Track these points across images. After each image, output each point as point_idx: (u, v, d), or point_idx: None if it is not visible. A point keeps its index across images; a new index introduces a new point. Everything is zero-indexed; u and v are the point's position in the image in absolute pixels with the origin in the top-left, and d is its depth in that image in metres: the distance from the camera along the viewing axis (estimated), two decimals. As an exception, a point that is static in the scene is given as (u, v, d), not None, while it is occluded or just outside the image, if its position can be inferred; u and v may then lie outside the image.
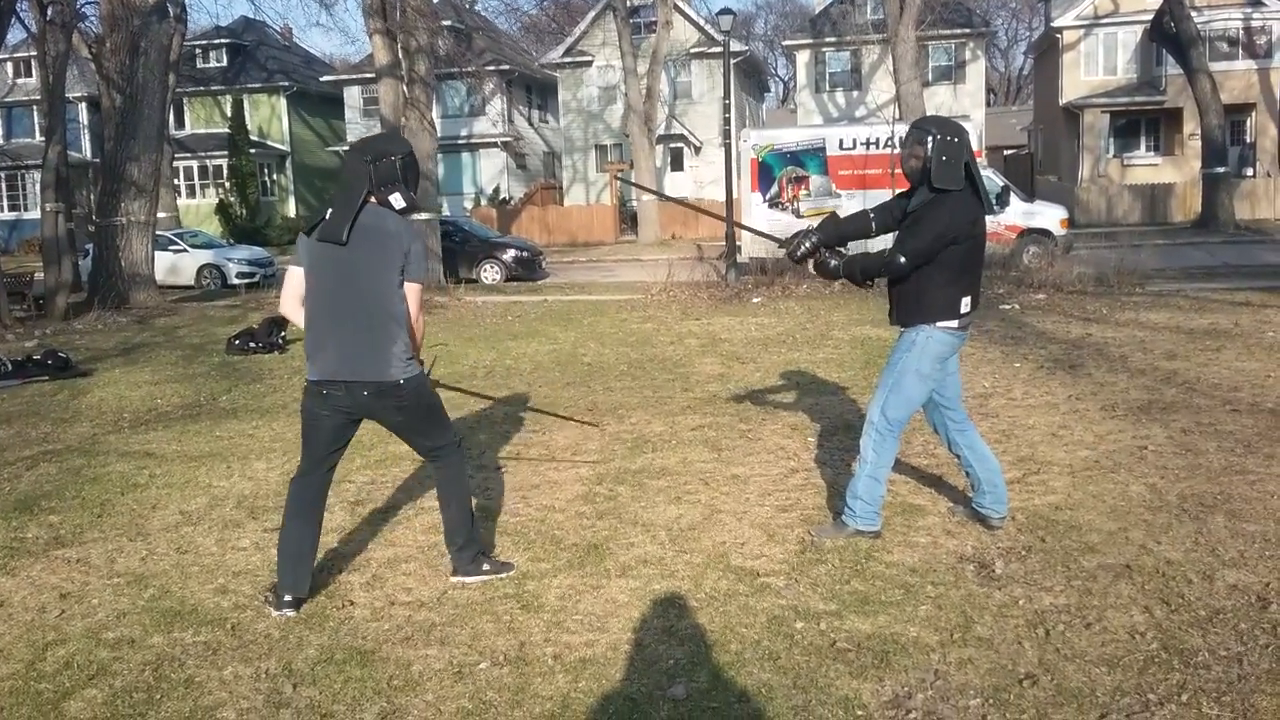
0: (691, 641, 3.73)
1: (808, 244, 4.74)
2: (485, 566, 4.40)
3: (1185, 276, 15.69)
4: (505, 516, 5.26)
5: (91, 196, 29.66)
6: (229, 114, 36.91)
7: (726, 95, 19.82)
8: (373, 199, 3.99)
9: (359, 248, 3.92)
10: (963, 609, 3.91)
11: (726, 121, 19.82)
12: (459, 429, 6.64)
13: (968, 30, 34.46)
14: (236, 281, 22.06)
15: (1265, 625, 3.67)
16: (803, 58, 36.24)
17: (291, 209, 38.47)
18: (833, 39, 34.94)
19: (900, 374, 4.56)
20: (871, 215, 4.79)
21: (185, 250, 23.06)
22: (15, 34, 23.32)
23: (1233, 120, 28.87)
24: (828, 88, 35.82)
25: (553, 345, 11.41)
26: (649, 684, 3.44)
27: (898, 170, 4.81)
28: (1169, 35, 24.79)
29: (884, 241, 4.77)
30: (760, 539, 4.76)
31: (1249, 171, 30.85)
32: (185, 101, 38.46)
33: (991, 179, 18.61)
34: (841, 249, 4.80)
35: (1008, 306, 12.86)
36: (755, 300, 14.80)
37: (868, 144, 18.09)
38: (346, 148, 30.02)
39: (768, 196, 18.46)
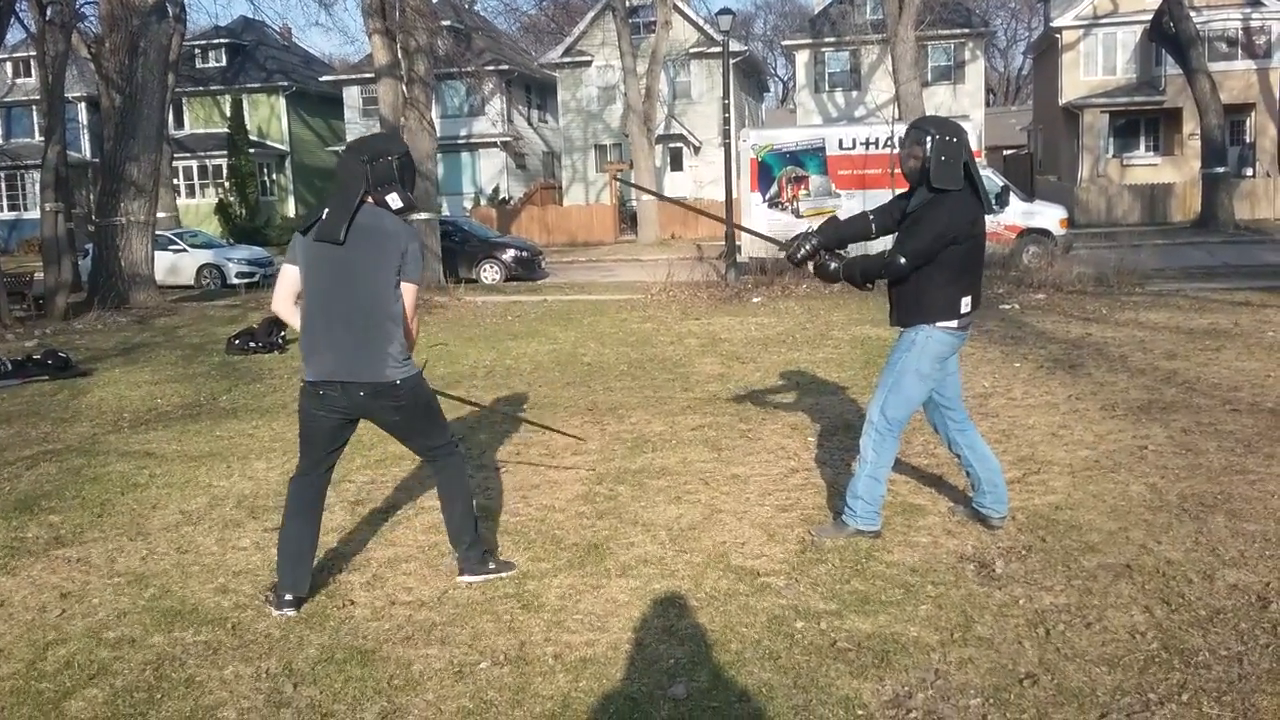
0: (692, 641, 3.73)
1: (808, 247, 4.74)
2: (491, 565, 4.41)
3: (1185, 276, 15.69)
4: (505, 516, 5.26)
5: (91, 196, 29.64)
6: (228, 114, 36.90)
7: (726, 95, 19.81)
8: (369, 199, 3.98)
9: (356, 248, 3.92)
10: (963, 608, 3.91)
11: (726, 121, 19.81)
12: (458, 430, 6.66)
13: (967, 30, 34.46)
14: (236, 281, 22.06)
15: (1266, 625, 3.67)
16: (802, 58, 36.24)
17: (291, 209, 38.46)
18: (832, 39, 34.94)
19: (900, 374, 4.56)
20: (871, 217, 4.80)
21: (185, 250, 23.06)
22: (15, 34, 23.34)
23: (1232, 120, 28.87)
24: (827, 88, 35.82)
25: (553, 345, 11.41)
26: (649, 683, 3.44)
27: (897, 170, 4.80)
28: (1168, 35, 24.80)
29: (884, 243, 4.77)
30: (760, 539, 4.76)
31: (1248, 171, 30.86)
32: (184, 101, 38.46)
33: (991, 179, 18.60)
34: (841, 251, 4.81)
35: (1007, 306, 12.86)
36: (755, 300, 14.80)
37: (867, 144, 18.10)
38: (343, 147, 30.07)
39: (767, 196, 18.47)
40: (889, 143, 17.50)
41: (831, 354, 9.92)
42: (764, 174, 18.47)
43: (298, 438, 4.25)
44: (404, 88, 19.07)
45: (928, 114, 17.82)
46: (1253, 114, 31.37)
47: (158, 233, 19.40)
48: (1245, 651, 3.49)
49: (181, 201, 33.68)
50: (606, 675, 3.51)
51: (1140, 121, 32.98)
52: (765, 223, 17.60)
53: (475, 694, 3.43)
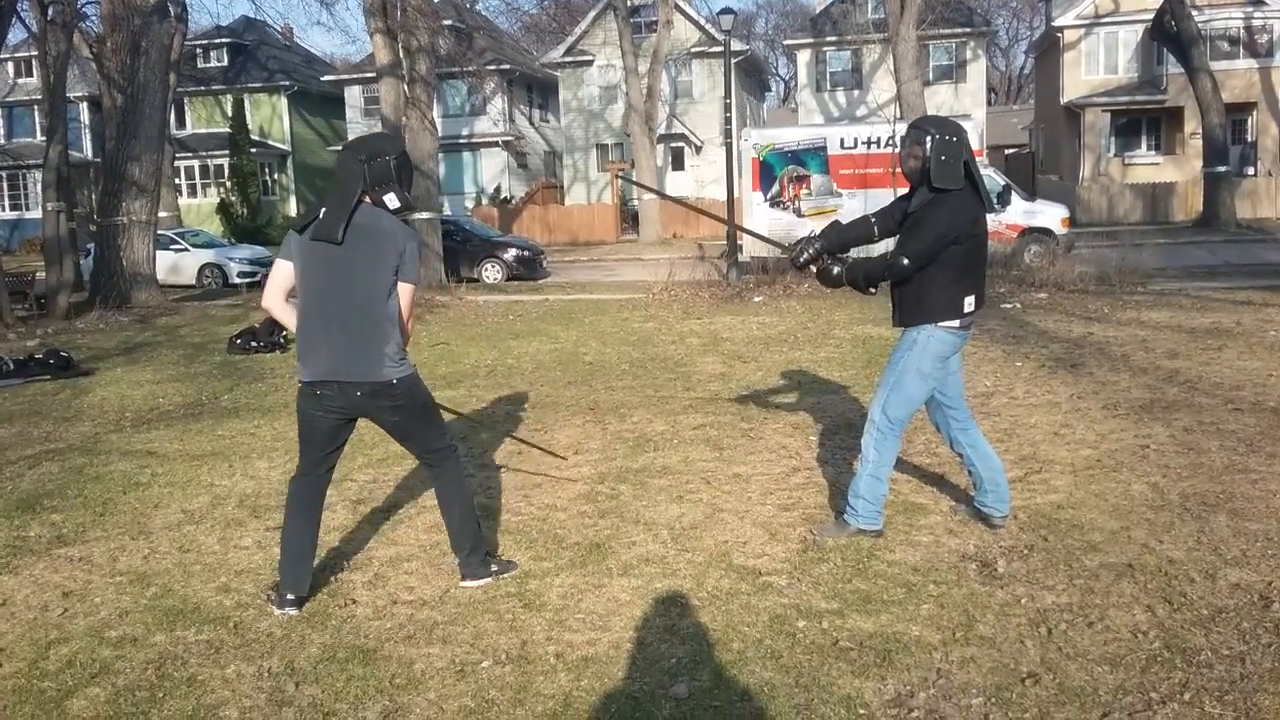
0: (694, 640, 3.73)
1: (810, 251, 4.73)
2: (494, 567, 4.39)
3: (1187, 275, 15.69)
4: (507, 515, 5.26)
5: (93, 196, 29.68)
6: (230, 113, 36.94)
7: (727, 94, 19.82)
8: (367, 199, 3.98)
9: (354, 247, 3.91)
10: (965, 608, 3.91)
11: (728, 121, 19.81)
12: (461, 429, 6.66)
13: (968, 29, 34.45)
14: (238, 281, 22.06)
15: (1268, 624, 3.67)
16: (803, 57, 36.23)
17: (293, 208, 38.48)
18: (833, 38, 34.93)
19: (901, 373, 4.55)
20: (873, 220, 4.79)
21: (186, 249, 23.07)
22: (16, 33, 23.31)
23: (1234, 119, 28.87)
24: (829, 87, 35.81)
25: (554, 344, 11.41)
26: (651, 682, 3.44)
27: (899, 169, 4.79)
28: (1170, 34, 24.78)
29: (886, 246, 4.77)
30: (762, 538, 4.76)
31: (1250, 170, 30.85)
32: (186, 101, 38.49)
33: (993, 178, 18.60)
34: (843, 255, 4.80)
35: (1009, 305, 12.86)
36: (757, 299, 14.80)
37: (869, 143, 18.09)
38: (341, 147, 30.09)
39: (769, 196, 18.47)
40: (890, 142, 17.49)
41: (833, 353, 9.92)
42: (766, 173, 18.47)
43: (297, 437, 4.25)
44: (405, 87, 19.07)
45: (929, 113, 17.90)
46: (1254, 113, 31.36)
47: (159, 232, 19.40)
48: (1247, 651, 3.48)
49: (183, 201, 33.68)
50: (608, 674, 3.51)
51: (1142, 120, 32.97)
52: (767, 222, 17.60)
53: (477, 693, 3.43)
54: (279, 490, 5.64)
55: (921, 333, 4.50)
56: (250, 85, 38.98)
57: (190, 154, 36.88)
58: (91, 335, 14.06)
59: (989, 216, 4.58)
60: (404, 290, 4.00)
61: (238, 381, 9.90)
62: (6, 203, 38.91)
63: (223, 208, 35.97)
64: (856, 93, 35.45)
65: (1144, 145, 33.14)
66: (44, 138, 21.54)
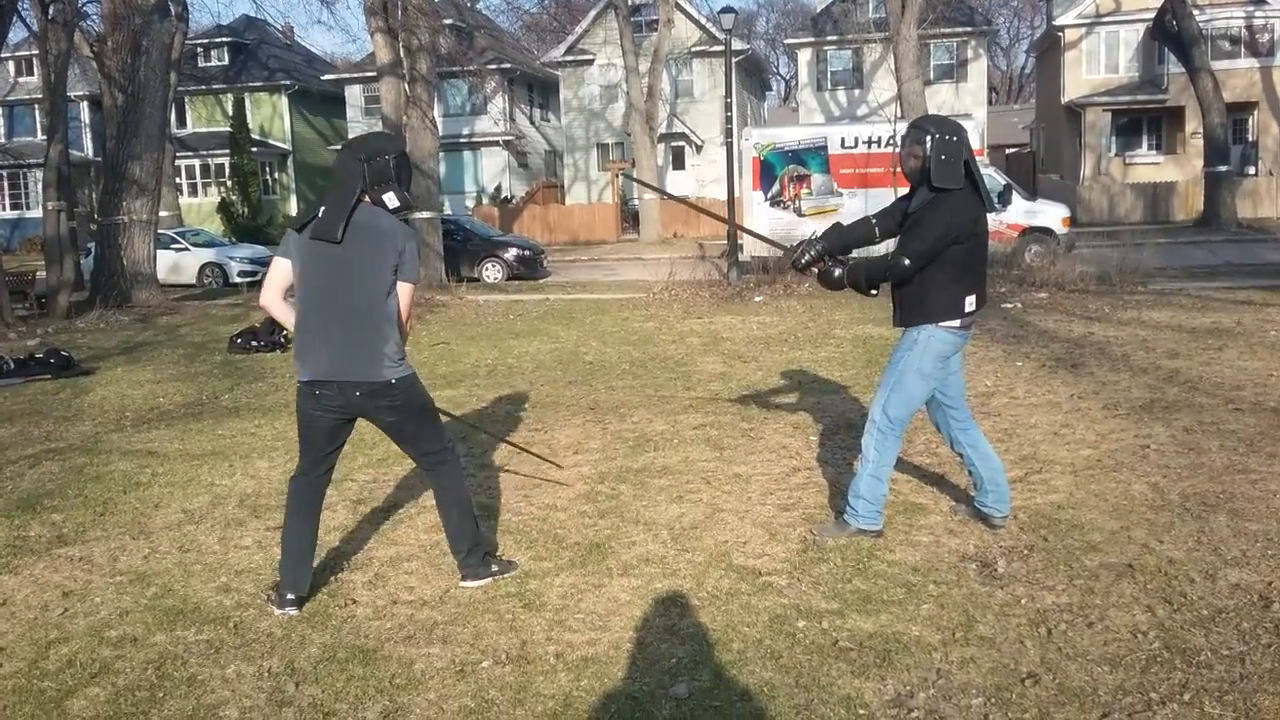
0: (693, 640, 3.73)
1: (811, 253, 4.73)
2: (494, 568, 4.39)
3: (1187, 275, 15.68)
4: (507, 515, 5.26)
5: (93, 195, 29.66)
6: (230, 113, 36.94)
7: (728, 94, 19.80)
8: (366, 198, 3.98)
9: (353, 246, 3.90)
10: (965, 608, 3.91)
11: (728, 120, 19.80)
12: (462, 429, 6.66)
13: (969, 29, 34.43)
14: (238, 280, 22.07)
15: (1268, 624, 3.67)
16: (804, 56, 36.21)
17: (293, 208, 38.46)
18: (834, 37, 34.91)
19: (902, 373, 4.55)
20: (874, 221, 4.79)
21: (187, 249, 23.08)
22: (17, 32, 23.30)
23: (1235, 119, 28.85)
24: (829, 86, 35.79)
25: (555, 344, 11.41)
26: (651, 682, 3.44)
27: (899, 169, 4.78)
28: (1171, 34, 24.77)
29: (886, 247, 4.76)
30: (762, 538, 4.76)
31: (1251, 170, 30.83)
32: (187, 100, 38.49)
33: (993, 177, 18.59)
34: (844, 257, 4.79)
35: (1010, 305, 12.86)
36: (757, 299, 14.80)
37: (869, 142, 18.09)
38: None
39: (769, 195, 18.46)
40: (891, 141, 17.49)
41: (833, 353, 9.92)
42: (766, 173, 18.47)
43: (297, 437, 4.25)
44: (406, 86, 19.07)
45: (929, 113, 17.87)
46: (1255, 112, 31.33)
47: (160, 231, 19.42)
48: (1247, 651, 3.48)
49: (184, 200, 33.69)
50: (608, 674, 3.51)
51: (1143, 120, 32.94)
52: (767, 221, 17.61)
53: (477, 693, 3.43)
54: (279, 490, 5.64)
55: (922, 332, 4.50)
56: (251, 84, 38.96)
57: (191, 153, 36.88)
58: (92, 334, 14.06)
59: (990, 216, 4.58)
60: (403, 290, 4.00)
61: (238, 381, 9.90)
62: (7, 202, 38.92)
63: (223, 207, 35.97)
64: (857, 92, 35.44)
65: (1145, 145, 33.12)
66: (45, 137, 21.53)
